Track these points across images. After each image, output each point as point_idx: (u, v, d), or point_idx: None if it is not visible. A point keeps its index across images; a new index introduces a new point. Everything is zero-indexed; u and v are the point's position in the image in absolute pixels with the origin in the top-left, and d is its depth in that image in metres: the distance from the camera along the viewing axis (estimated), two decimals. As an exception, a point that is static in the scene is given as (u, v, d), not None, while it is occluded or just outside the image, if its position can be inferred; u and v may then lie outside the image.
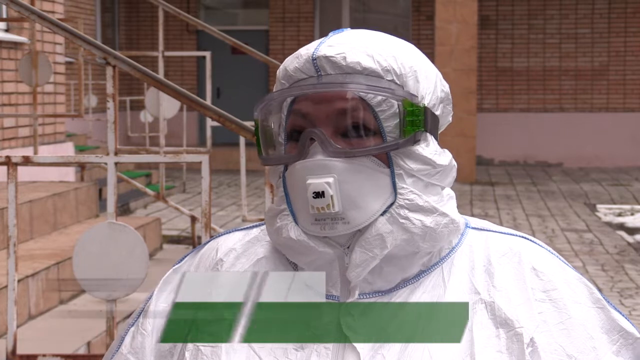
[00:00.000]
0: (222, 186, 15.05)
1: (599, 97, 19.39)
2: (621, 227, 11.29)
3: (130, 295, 3.81)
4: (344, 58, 1.42)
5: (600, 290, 7.92)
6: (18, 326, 3.92)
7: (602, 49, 19.29)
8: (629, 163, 18.83)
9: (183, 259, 1.61)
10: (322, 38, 1.47)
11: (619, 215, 12.19)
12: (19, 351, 3.85)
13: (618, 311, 1.50)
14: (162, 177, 8.32)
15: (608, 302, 1.50)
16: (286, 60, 1.48)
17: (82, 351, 4.70)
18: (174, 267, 1.61)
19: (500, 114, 19.45)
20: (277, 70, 1.50)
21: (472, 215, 11.64)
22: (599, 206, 13.00)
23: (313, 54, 1.44)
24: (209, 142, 8.28)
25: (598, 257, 9.37)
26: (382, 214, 1.42)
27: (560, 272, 1.49)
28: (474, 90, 16.03)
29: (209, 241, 1.61)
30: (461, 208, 12.73)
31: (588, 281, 1.51)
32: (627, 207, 12.90)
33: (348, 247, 1.44)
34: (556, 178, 16.69)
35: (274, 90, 1.49)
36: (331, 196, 1.39)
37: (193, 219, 8.37)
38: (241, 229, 1.61)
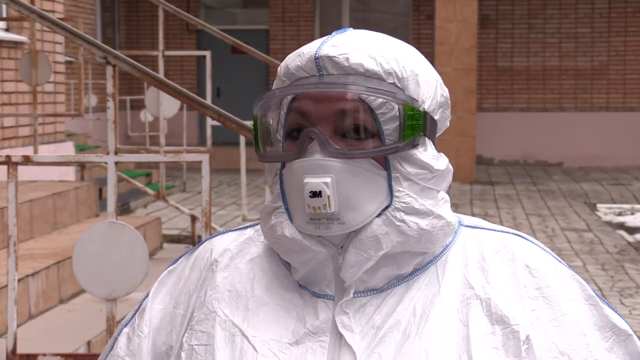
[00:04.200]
0: (222, 185, 15.05)
1: (598, 96, 19.39)
2: (621, 226, 11.29)
3: (130, 294, 3.81)
4: (347, 59, 1.42)
5: (600, 289, 7.93)
6: (18, 325, 3.92)
7: (602, 48, 19.29)
8: (629, 162, 18.83)
9: (178, 259, 1.61)
10: (325, 37, 1.47)
11: (619, 214, 12.19)
12: (19, 350, 3.85)
13: (611, 307, 1.50)
14: (162, 176, 8.32)
15: (601, 298, 1.50)
16: (288, 57, 1.48)
17: (82, 350, 4.70)
18: (169, 268, 1.61)
19: (500, 114, 19.45)
20: (278, 68, 1.49)
21: (472, 214, 11.64)
22: (599, 205, 13.00)
23: (316, 53, 1.44)
24: (209, 141, 8.27)
25: (598, 257, 9.36)
26: (377, 216, 1.42)
27: (553, 270, 1.49)
28: (473, 89, 16.03)
29: (203, 242, 1.61)
30: (461, 207, 12.73)
31: (581, 278, 1.51)
32: (627, 206, 12.89)
33: (342, 247, 1.44)
34: (556, 177, 16.69)
35: (274, 87, 1.49)
36: (328, 196, 1.39)
37: (193, 218, 8.37)
38: (235, 230, 1.60)
